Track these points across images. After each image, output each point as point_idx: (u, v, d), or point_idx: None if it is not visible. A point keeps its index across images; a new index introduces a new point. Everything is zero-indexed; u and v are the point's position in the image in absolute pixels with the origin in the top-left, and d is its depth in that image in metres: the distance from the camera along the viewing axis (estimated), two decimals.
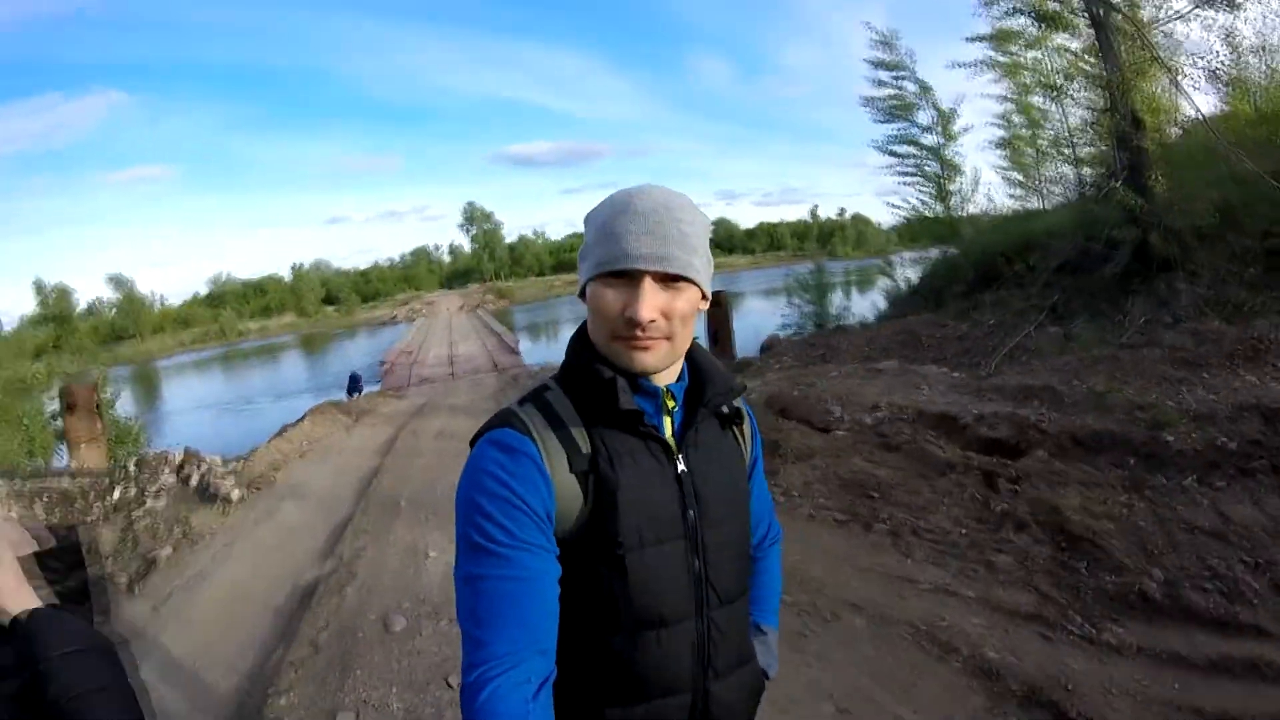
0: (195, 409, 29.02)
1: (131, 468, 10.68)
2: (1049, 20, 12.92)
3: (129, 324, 75.13)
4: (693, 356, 1.26)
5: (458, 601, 1.07)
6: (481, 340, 30.70)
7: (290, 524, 7.75)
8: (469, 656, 1.02)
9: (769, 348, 14.22)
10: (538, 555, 1.07)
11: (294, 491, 8.94)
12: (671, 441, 1.20)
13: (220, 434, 19.75)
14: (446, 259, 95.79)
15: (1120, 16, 11.25)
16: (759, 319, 19.01)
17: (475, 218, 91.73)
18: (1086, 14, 11.86)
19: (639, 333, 1.10)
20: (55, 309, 70.23)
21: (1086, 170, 14.03)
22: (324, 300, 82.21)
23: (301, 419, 12.87)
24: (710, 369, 1.27)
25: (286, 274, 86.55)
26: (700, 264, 1.15)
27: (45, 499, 9.46)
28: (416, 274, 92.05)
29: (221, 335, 71.27)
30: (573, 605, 1.12)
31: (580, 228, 1.23)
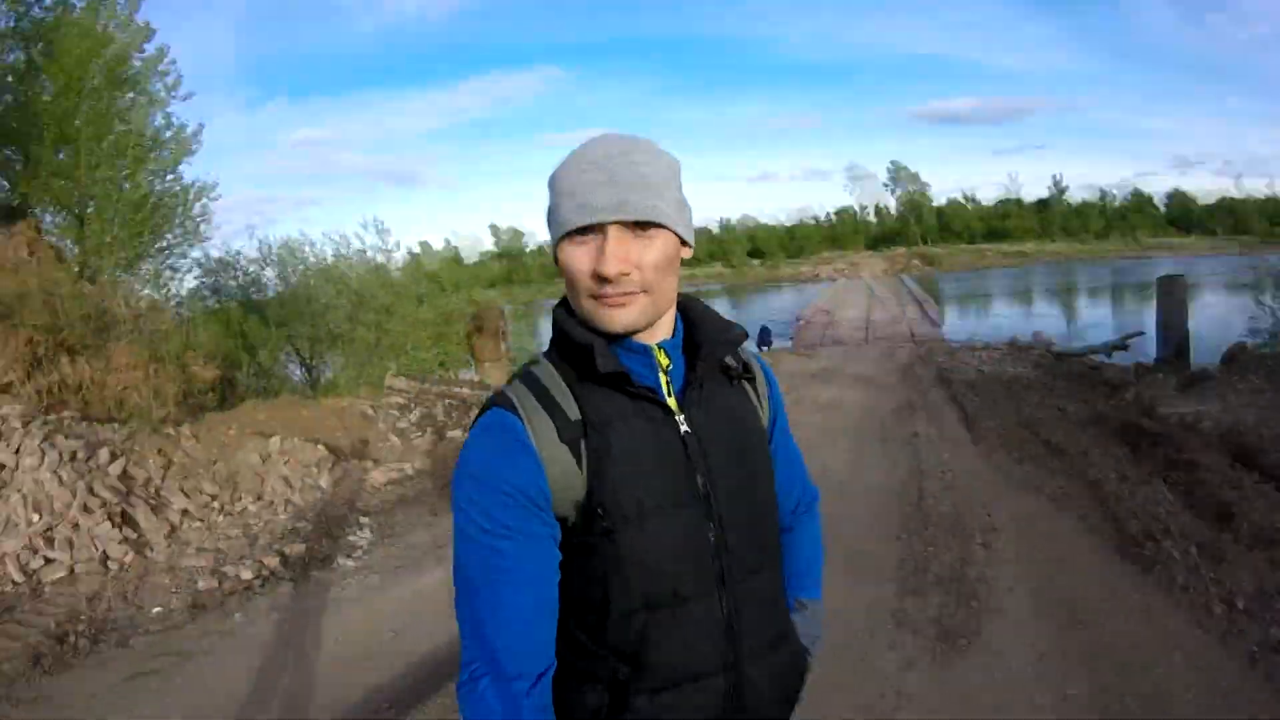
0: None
1: None
2: None
3: None
4: (686, 308, 1.19)
5: (455, 594, 1.04)
6: (902, 307, 28.84)
7: None
8: (462, 653, 1.00)
9: (1232, 359, 10.52)
10: (529, 543, 1.02)
11: None
12: (671, 402, 1.11)
13: None
14: (872, 220, 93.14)
15: None
16: (1222, 319, 15.07)
17: (900, 178, 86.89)
18: None
19: (610, 289, 1.03)
20: (508, 248, 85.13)
21: None
22: (750, 254, 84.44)
23: None
24: (706, 320, 1.18)
25: (715, 227, 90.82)
26: (668, 207, 1.06)
27: (446, 402, 11.04)
28: (842, 234, 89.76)
29: None
30: (582, 585, 1.06)
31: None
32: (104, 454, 6.20)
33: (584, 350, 1.06)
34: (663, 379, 1.12)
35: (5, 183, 10.09)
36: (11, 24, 9.94)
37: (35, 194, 9.80)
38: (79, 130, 9.85)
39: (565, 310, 1.13)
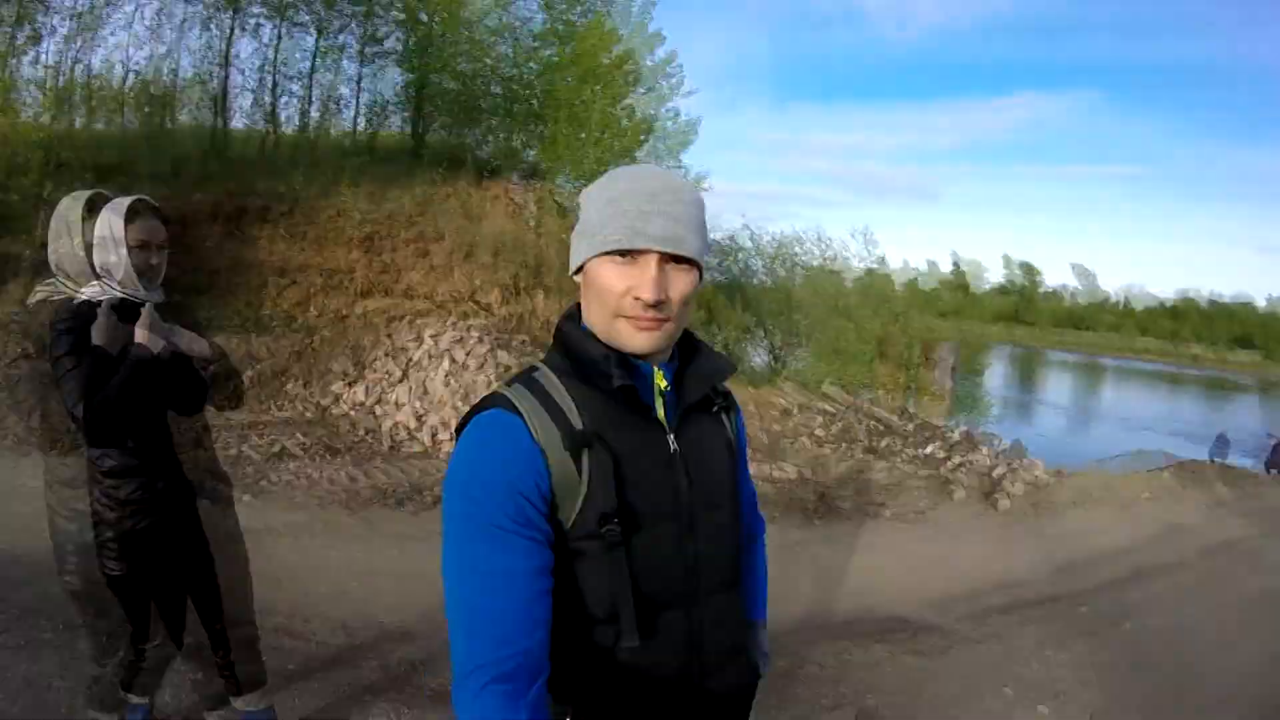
0: (1112, 416, 27.45)
1: (955, 435, 10.57)
2: None
3: (1087, 314, 76.22)
4: (682, 337, 1.20)
5: (445, 595, 0.99)
6: None
7: (979, 565, 5.85)
8: (455, 656, 0.96)
9: None
10: (527, 545, 0.98)
11: (1040, 535, 6.87)
12: (663, 421, 1.14)
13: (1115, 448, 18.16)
14: None
15: None
16: None
17: None
18: None
19: (644, 313, 1.05)
20: (1020, 284, 78.39)
21: None
22: None
23: (1159, 469, 10.13)
24: (700, 351, 1.22)
25: (1262, 301, 72.77)
26: (703, 247, 1.13)
27: (870, 424, 10.38)
28: None
29: (1170, 354, 64.73)
30: (572, 592, 1.05)
31: None
32: None
33: (596, 363, 1.08)
34: (658, 400, 1.14)
35: (530, 150, 12.39)
36: (545, 25, 12.27)
37: (549, 160, 11.73)
38: (590, 114, 11.59)
39: (574, 322, 1.15)
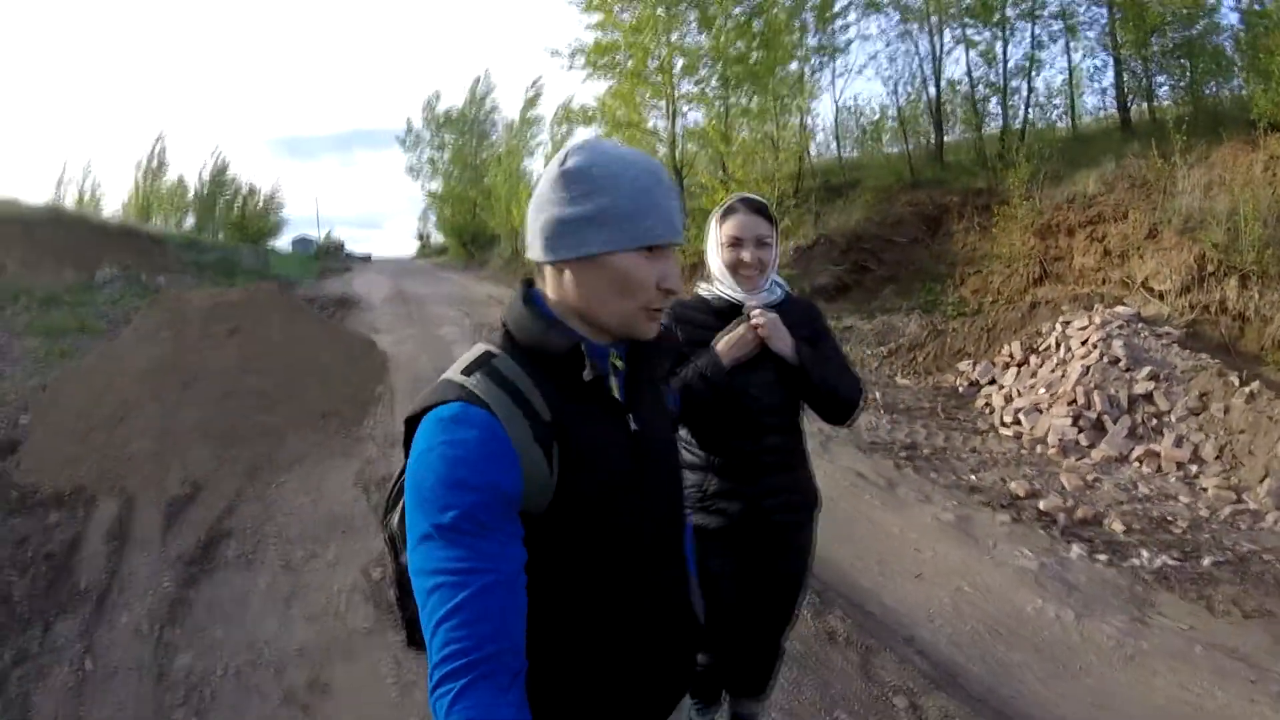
0: None
1: None
2: None
3: None
4: None
5: (418, 599, 0.98)
6: None
7: None
8: (433, 657, 0.94)
9: None
10: (501, 543, 0.98)
11: None
12: (620, 402, 1.16)
13: None
14: None
15: None
16: None
17: None
18: None
19: (664, 303, 1.11)
20: None
21: None
22: None
23: None
24: None
25: None
26: None
27: None
28: None
29: None
30: (547, 586, 1.05)
31: None
32: (1144, 372, 6.07)
33: (560, 356, 1.07)
34: (613, 381, 1.16)
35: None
36: None
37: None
38: None
39: (531, 309, 1.12)
